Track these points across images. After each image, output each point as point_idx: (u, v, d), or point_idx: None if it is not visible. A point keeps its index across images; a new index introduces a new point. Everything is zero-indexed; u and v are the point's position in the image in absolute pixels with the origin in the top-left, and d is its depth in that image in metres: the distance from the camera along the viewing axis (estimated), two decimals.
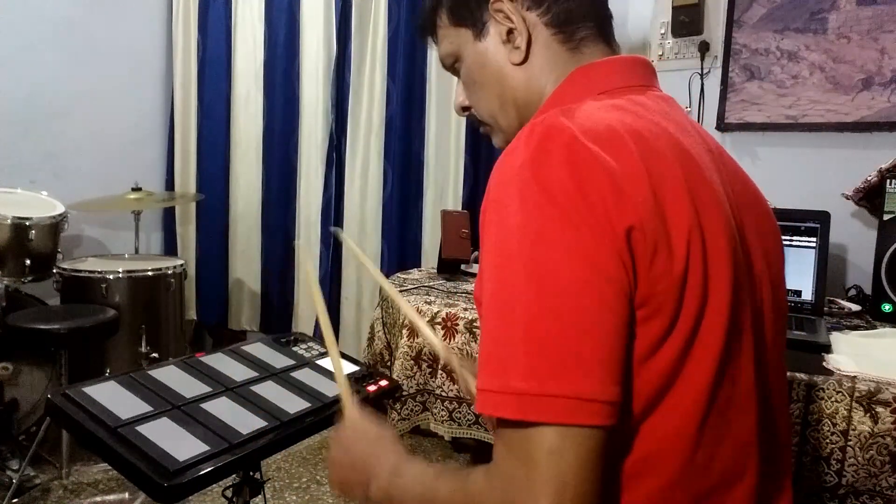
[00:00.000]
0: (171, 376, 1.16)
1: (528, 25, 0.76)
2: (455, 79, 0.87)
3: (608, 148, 0.59)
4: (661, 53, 2.23)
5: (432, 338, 1.12)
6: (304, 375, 1.25)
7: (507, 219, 0.58)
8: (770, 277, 0.74)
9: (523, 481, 0.54)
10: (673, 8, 2.14)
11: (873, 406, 1.13)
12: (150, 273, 2.55)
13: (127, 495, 2.21)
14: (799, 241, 1.67)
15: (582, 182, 0.57)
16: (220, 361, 1.25)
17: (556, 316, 0.55)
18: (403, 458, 0.75)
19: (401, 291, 1.82)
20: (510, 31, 0.76)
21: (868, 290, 1.78)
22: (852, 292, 1.90)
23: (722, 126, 2.15)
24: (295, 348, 1.36)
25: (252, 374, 1.22)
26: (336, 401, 1.19)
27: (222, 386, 1.16)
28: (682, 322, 0.60)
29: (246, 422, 1.05)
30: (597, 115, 0.64)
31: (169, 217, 3.34)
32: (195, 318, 3.33)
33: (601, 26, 0.78)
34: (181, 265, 2.70)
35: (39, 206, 2.46)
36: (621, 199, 0.57)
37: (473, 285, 1.93)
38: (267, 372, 1.24)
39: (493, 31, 0.77)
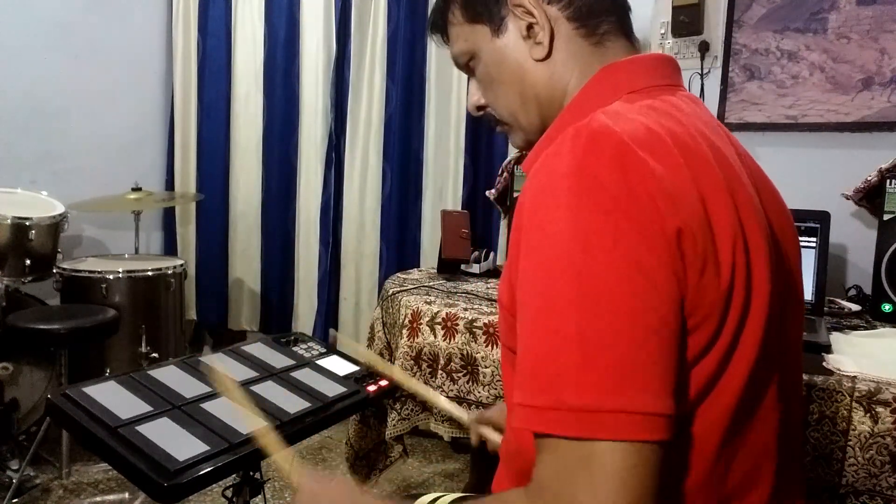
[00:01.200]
0: (171, 376, 1.16)
1: (550, 19, 0.73)
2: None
3: (653, 153, 0.57)
4: None
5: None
6: (304, 375, 1.25)
7: (553, 227, 0.56)
8: (793, 281, 0.72)
9: (587, 500, 0.51)
10: (673, 8, 2.14)
11: (873, 406, 1.13)
12: (150, 273, 2.55)
13: (127, 495, 2.21)
14: (799, 240, 1.66)
15: (632, 186, 0.55)
16: (220, 361, 1.25)
17: (609, 327, 0.52)
18: (396, 500, 0.71)
19: (401, 291, 1.82)
20: (531, 26, 0.74)
21: (868, 290, 1.78)
22: (852, 292, 1.90)
23: None
24: (295, 348, 1.36)
25: (252, 374, 1.22)
26: (337, 400, 1.19)
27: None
28: (725, 333, 0.58)
29: (246, 422, 1.05)
30: (637, 118, 0.61)
31: (169, 217, 3.34)
32: (195, 318, 3.32)
33: (622, 20, 0.77)
34: (181, 265, 2.70)
35: (39, 206, 2.45)
36: (671, 204, 0.55)
37: (473, 285, 1.93)
38: (267, 372, 1.24)
39: (512, 27, 0.75)
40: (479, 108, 0.84)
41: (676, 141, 0.60)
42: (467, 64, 0.81)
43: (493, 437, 1.08)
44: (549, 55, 0.74)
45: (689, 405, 0.59)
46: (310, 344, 1.39)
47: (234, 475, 1.10)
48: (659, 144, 0.59)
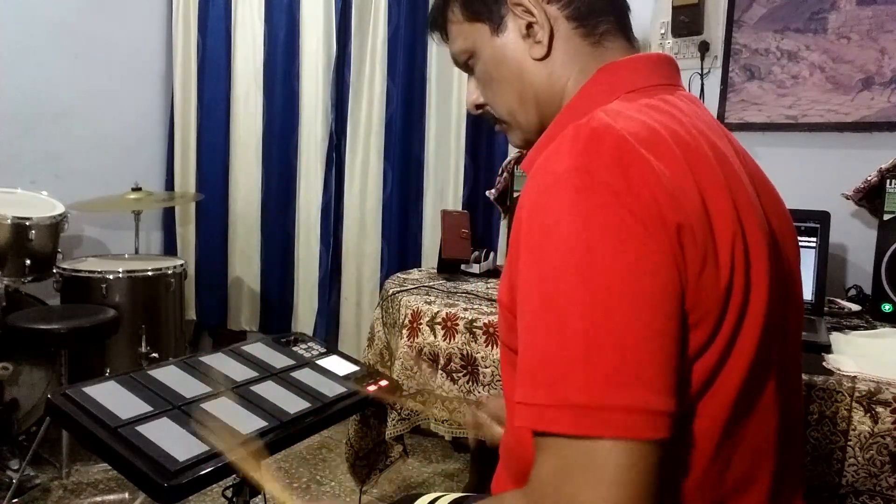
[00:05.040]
0: (171, 376, 1.16)
1: (550, 19, 0.73)
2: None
3: (654, 151, 0.57)
4: None
5: None
6: (304, 375, 1.25)
7: (556, 225, 0.55)
8: (792, 282, 0.72)
9: (587, 497, 0.50)
10: (673, 8, 2.14)
11: (873, 406, 1.13)
12: (150, 273, 2.55)
13: (127, 495, 2.21)
14: (799, 241, 1.66)
15: (633, 182, 0.55)
16: (220, 361, 1.25)
17: (613, 325, 0.52)
18: None
19: (401, 291, 1.82)
20: (530, 25, 0.74)
21: (868, 290, 1.78)
22: (852, 292, 1.90)
23: None
24: (295, 348, 1.36)
25: (252, 374, 1.22)
26: (337, 400, 1.19)
27: (222, 386, 1.16)
28: (723, 332, 0.58)
29: (246, 422, 1.05)
30: (637, 116, 0.61)
31: (169, 217, 3.34)
32: (195, 318, 3.33)
33: (620, 20, 0.77)
34: (181, 265, 2.70)
35: (39, 206, 2.45)
36: (672, 201, 0.55)
37: (473, 285, 1.93)
38: (267, 372, 1.24)
39: (511, 26, 0.75)
40: (478, 106, 0.84)
41: (677, 139, 0.60)
42: (466, 62, 0.81)
43: (492, 427, 1.07)
44: (548, 54, 0.74)
45: (689, 402, 0.59)
46: (310, 344, 1.39)
47: (234, 475, 1.10)
48: (659, 142, 0.59)
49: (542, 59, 0.74)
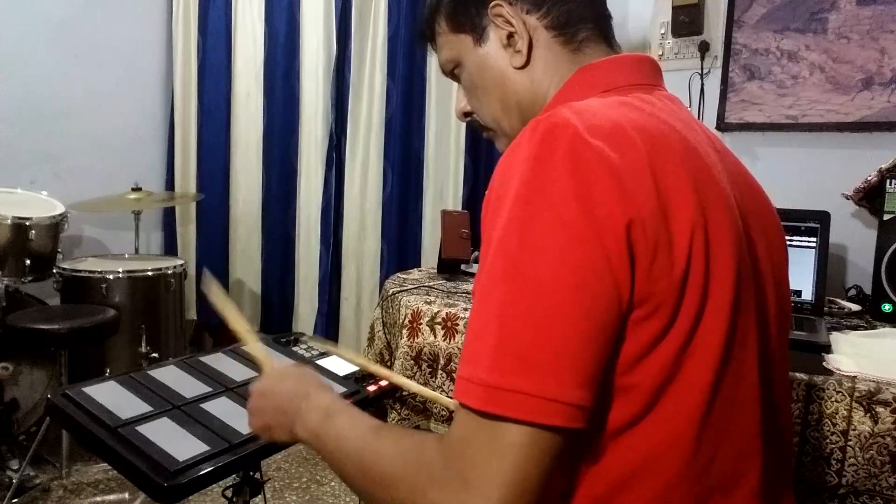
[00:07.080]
0: (171, 376, 1.16)
1: (529, 29, 0.76)
2: (455, 82, 0.87)
3: (612, 143, 0.59)
4: (661, 53, 2.23)
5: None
6: None
7: (503, 216, 0.58)
8: (775, 277, 0.73)
9: (481, 468, 0.54)
10: (673, 8, 2.14)
11: (873, 406, 1.13)
12: (150, 273, 2.56)
13: (127, 495, 2.21)
14: (799, 241, 1.66)
15: (582, 180, 0.57)
16: (220, 361, 1.25)
17: (529, 314, 0.55)
18: (336, 401, 0.76)
19: (401, 291, 1.81)
20: (510, 36, 0.76)
21: (868, 290, 1.78)
22: (852, 292, 1.90)
23: (722, 126, 2.15)
24: (295, 348, 1.36)
25: (252, 374, 1.22)
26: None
27: (222, 386, 1.16)
28: (681, 321, 0.59)
29: (246, 422, 1.05)
30: (602, 111, 0.63)
31: (169, 217, 3.34)
32: (195, 318, 3.33)
33: (601, 27, 0.78)
34: (181, 265, 2.71)
35: (39, 206, 2.46)
36: (623, 194, 0.57)
37: (473, 285, 1.93)
38: None
39: (493, 36, 0.78)
40: (466, 114, 0.86)
41: (641, 133, 0.61)
42: (452, 71, 0.84)
43: None
44: (528, 63, 0.77)
45: (652, 394, 0.60)
46: (310, 344, 1.39)
47: (234, 475, 1.10)
48: (619, 135, 0.60)
49: (522, 68, 0.77)
